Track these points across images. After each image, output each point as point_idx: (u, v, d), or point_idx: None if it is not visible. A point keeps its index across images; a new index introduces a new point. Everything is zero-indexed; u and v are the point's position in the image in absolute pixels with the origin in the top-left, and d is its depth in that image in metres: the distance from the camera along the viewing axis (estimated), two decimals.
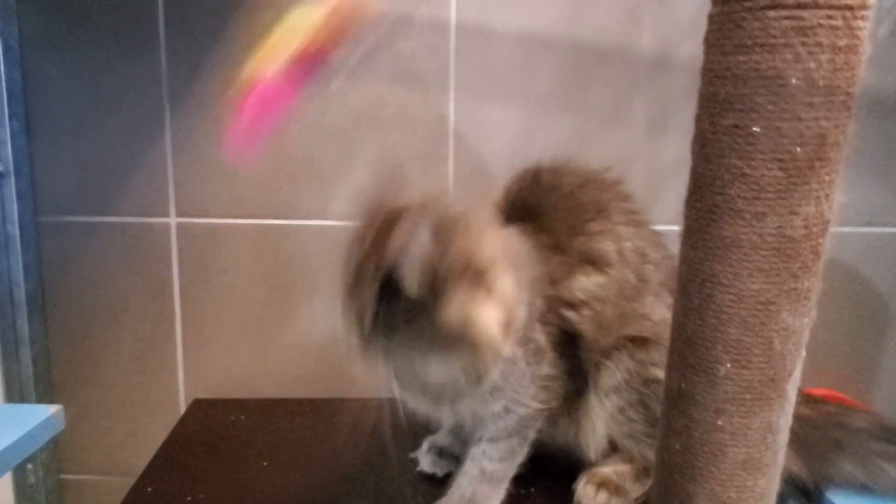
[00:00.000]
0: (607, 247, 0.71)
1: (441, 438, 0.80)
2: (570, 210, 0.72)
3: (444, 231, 0.55)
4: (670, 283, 0.67)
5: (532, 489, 0.75)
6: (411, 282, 0.55)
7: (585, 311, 0.69)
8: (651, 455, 0.67)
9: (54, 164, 0.96)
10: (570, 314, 0.69)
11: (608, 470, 0.73)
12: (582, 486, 0.72)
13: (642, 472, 0.71)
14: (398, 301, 0.56)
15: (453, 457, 0.78)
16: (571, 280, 0.69)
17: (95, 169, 0.96)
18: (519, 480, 0.73)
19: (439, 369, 0.61)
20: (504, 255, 0.60)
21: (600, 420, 0.72)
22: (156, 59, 0.94)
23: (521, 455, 0.71)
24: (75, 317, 1.00)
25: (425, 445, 0.80)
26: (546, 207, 0.72)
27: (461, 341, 0.57)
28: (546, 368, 0.68)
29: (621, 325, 0.71)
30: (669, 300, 0.66)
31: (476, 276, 0.56)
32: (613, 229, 0.72)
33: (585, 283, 0.70)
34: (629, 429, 0.71)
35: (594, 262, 0.70)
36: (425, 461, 0.79)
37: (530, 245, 0.67)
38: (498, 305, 0.58)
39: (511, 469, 0.71)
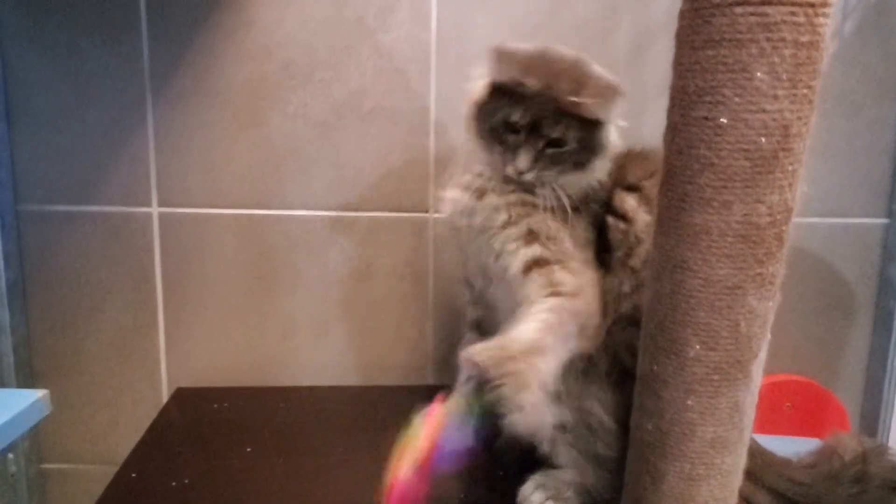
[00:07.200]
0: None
1: None
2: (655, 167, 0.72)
3: None
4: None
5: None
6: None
7: (622, 226, 0.70)
8: (590, 477, 0.70)
9: (35, 153, 0.96)
10: (609, 219, 0.70)
11: (558, 474, 0.72)
12: (527, 482, 0.73)
13: (583, 489, 0.71)
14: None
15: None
16: (626, 195, 0.70)
17: (77, 158, 0.96)
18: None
19: None
20: None
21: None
22: (138, 47, 0.93)
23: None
24: (57, 306, 1.00)
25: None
26: (641, 156, 0.74)
27: None
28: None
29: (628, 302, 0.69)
30: None
31: None
32: None
33: (633, 206, 0.70)
34: (569, 439, 0.70)
35: (649, 204, 0.69)
36: None
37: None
38: None
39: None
